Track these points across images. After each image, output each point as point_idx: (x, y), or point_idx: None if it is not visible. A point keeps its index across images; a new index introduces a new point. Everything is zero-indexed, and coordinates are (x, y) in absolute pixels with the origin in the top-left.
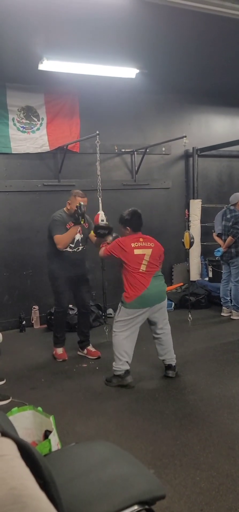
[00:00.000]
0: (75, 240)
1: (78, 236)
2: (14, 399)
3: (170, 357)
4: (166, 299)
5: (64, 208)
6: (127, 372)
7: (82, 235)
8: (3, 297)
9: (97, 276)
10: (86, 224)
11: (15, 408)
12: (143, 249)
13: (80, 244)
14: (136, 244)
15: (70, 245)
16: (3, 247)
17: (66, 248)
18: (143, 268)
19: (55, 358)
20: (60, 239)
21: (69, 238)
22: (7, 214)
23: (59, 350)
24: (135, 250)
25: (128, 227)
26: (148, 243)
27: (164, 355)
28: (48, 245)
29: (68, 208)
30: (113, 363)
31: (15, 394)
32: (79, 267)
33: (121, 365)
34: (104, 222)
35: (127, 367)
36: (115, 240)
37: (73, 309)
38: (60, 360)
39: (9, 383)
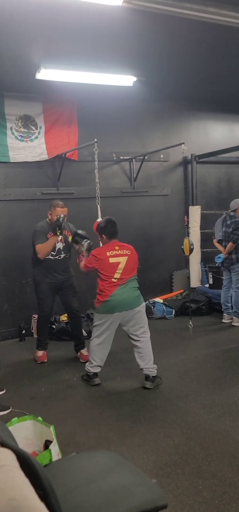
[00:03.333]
0: (57, 249)
1: (60, 245)
2: (14, 409)
3: (147, 367)
4: (141, 306)
5: (47, 219)
6: (95, 374)
7: (64, 244)
8: (3, 306)
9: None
10: (69, 233)
11: (15, 418)
12: (118, 257)
13: (62, 253)
14: (112, 253)
15: (52, 253)
16: (2, 256)
17: (46, 256)
18: (116, 276)
19: (36, 360)
20: (40, 249)
21: (48, 247)
22: (6, 222)
23: (40, 353)
24: (110, 258)
25: (103, 235)
26: (124, 250)
27: (142, 364)
28: (32, 253)
29: (49, 218)
30: (87, 363)
31: (15, 404)
32: (62, 274)
33: (91, 367)
34: (84, 233)
35: (96, 370)
36: (91, 252)
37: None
38: (39, 362)
39: (9, 393)
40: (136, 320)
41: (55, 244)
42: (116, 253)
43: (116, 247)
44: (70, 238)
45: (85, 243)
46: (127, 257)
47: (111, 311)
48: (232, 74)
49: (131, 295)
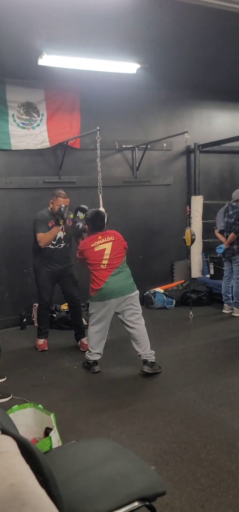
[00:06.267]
0: (57, 238)
1: (60, 234)
2: (15, 396)
3: (145, 353)
4: (134, 293)
5: (48, 207)
6: (95, 362)
7: (65, 233)
8: (4, 295)
9: None
10: (71, 222)
11: (16, 406)
12: (103, 245)
13: (63, 242)
14: (96, 243)
15: (52, 242)
16: (3, 244)
17: (47, 245)
18: (104, 262)
19: (37, 348)
20: (42, 237)
21: (50, 237)
22: (8, 211)
23: (40, 341)
24: (95, 248)
25: (87, 225)
26: (107, 237)
27: (139, 350)
28: (33, 242)
29: (51, 207)
30: (86, 352)
31: (16, 392)
32: (62, 263)
33: (90, 355)
34: (86, 207)
35: (96, 358)
36: (78, 248)
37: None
38: (40, 350)
39: (10, 381)
40: (130, 306)
41: (56, 233)
42: (100, 242)
43: (99, 237)
44: (71, 216)
45: (78, 226)
46: (111, 243)
47: (106, 299)
48: (237, 62)
49: (124, 283)
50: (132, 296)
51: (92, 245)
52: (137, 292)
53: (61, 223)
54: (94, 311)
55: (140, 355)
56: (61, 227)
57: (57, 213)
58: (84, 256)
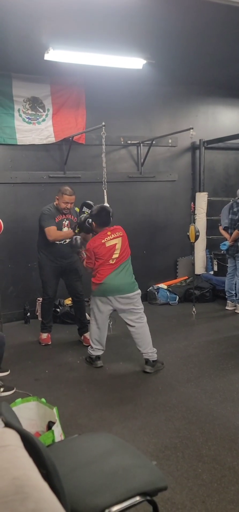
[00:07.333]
0: None
1: (65, 229)
2: (18, 390)
3: (146, 351)
4: (134, 293)
5: (54, 203)
6: (97, 357)
7: (69, 229)
8: (8, 289)
9: None
10: (75, 218)
11: (19, 399)
12: (114, 240)
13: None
14: (106, 239)
15: None
16: (8, 239)
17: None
18: (114, 257)
19: (40, 342)
20: (53, 232)
21: (60, 236)
22: (13, 205)
23: (44, 335)
24: (106, 243)
25: (93, 222)
26: (116, 233)
27: (140, 349)
28: (38, 237)
29: (56, 203)
30: (89, 347)
31: (19, 385)
32: (66, 258)
33: (92, 351)
34: (91, 203)
35: (98, 353)
36: (86, 248)
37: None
38: (43, 344)
39: (13, 374)
40: (129, 306)
41: (62, 228)
42: (110, 237)
43: (108, 233)
44: (77, 209)
45: (81, 218)
46: (121, 238)
47: (106, 294)
48: None
49: (125, 281)
50: (131, 295)
51: (103, 241)
52: (138, 292)
53: (77, 231)
54: (95, 305)
55: (142, 354)
56: (66, 222)
57: (78, 222)
58: (95, 250)
